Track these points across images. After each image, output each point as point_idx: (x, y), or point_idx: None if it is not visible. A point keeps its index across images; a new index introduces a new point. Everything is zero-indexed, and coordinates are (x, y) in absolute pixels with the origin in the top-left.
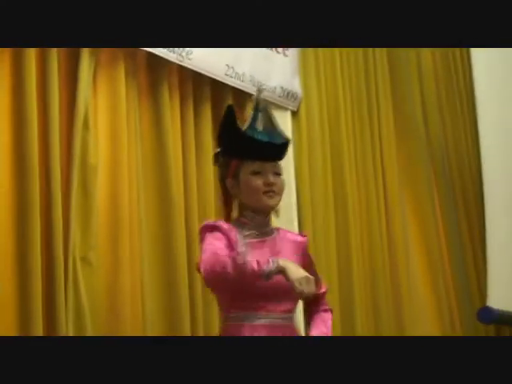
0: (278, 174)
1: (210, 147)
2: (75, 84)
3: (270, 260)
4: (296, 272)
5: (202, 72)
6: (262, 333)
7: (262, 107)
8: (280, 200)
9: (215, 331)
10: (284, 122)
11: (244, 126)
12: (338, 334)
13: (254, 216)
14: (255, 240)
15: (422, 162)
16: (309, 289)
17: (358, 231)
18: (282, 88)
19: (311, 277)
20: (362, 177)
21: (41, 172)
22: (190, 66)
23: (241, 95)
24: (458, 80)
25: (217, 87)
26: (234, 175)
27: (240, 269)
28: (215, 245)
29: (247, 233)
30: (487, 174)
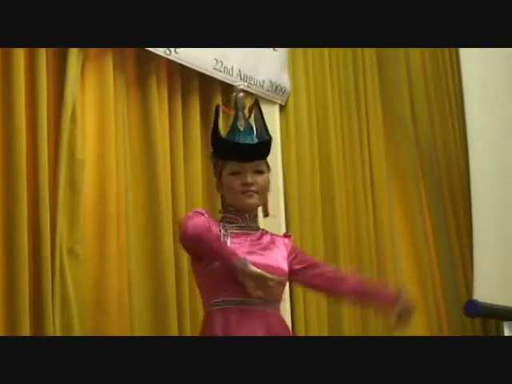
0: (260, 172)
1: (197, 141)
2: (63, 77)
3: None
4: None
5: (190, 66)
6: (239, 318)
7: (242, 106)
8: (263, 198)
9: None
10: (272, 116)
11: (228, 128)
12: (325, 333)
13: (238, 213)
14: (239, 231)
15: (411, 160)
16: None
17: (345, 227)
18: (270, 82)
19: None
20: (350, 174)
21: (28, 166)
22: (177, 60)
23: (229, 89)
24: (447, 79)
25: (205, 80)
26: (219, 176)
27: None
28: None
29: (231, 225)
30: (475, 172)
